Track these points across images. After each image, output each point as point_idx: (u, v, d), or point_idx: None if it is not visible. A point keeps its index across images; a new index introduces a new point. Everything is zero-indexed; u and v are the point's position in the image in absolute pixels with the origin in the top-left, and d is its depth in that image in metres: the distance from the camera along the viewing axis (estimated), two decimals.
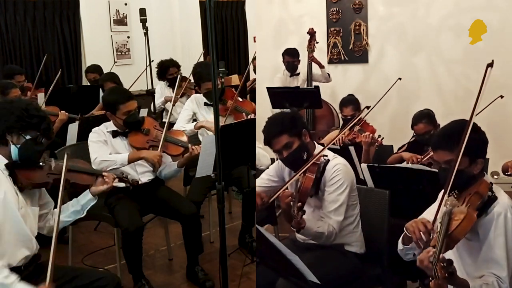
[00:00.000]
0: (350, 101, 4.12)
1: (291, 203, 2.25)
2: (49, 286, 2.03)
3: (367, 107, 3.32)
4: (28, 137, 2.25)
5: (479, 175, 1.96)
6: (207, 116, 3.93)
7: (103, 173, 2.59)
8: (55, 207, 2.44)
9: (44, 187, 2.38)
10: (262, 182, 2.76)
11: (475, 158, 1.94)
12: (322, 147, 2.55)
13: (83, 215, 2.56)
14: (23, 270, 2.21)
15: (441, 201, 1.90)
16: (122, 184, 2.74)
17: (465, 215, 1.77)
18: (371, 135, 3.64)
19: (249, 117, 3.76)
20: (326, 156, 2.50)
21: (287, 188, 2.41)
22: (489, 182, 1.90)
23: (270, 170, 2.80)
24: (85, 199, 2.53)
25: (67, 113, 3.99)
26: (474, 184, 1.92)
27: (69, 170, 2.42)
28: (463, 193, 1.90)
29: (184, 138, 3.30)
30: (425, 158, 3.31)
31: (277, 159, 2.86)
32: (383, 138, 3.73)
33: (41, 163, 2.34)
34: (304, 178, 2.39)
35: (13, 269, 2.17)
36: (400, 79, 4.51)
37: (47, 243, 2.39)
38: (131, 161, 3.11)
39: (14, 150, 2.24)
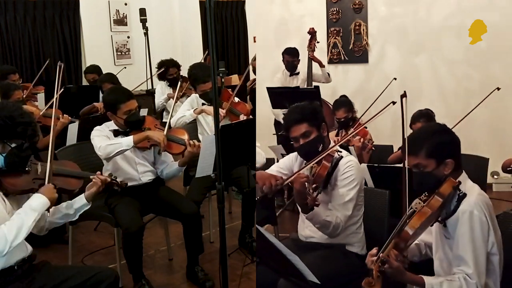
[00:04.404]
0: (343, 103, 4.10)
1: (306, 184, 2.28)
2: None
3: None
4: (13, 145, 2.24)
5: (452, 174, 1.97)
6: (204, 116, 3.94)
7: (91, 176, 2.57)
8: None
9: (30, 193, 2.33)
10: (271, 173, 2.74)
11: (443, 159, 1.97)
12: (335, 143, 2.60)
13: (75, 219, 2.56)
14: (16, 270, 2.21)
15: (405, 203, 1.96)
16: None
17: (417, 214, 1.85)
18: (361, 139, 3.64)
19: (241, 117, 3.75)
20: (341, 152, 2.54)
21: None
22: (456, 181, 1.91)
23: (280, 163, 2.82)
24: (79, 204, 2.51)
25: (69, 117, 3.99)
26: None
27: (55, 174, 2.41)
28: (431, 194, 1.93)
29: (185, 137, 3.28)
30: None
31: (277, 160, 2.86)
32: (373, 142, 3.73)
33: (27, 168, 2.32)
34: (319, 166, 2.42)
35: (7, 269, 2.17)
36: (395, 79, 4.49)
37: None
38: (136, 142, 3.09)
39: None
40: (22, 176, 2.30)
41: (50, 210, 2.39)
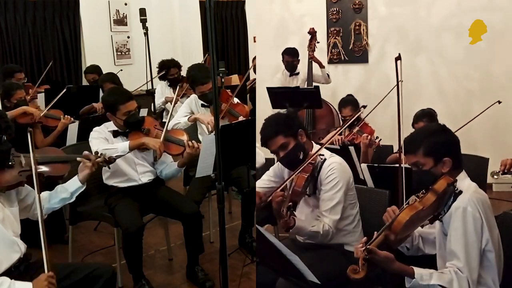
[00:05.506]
0: (349, 102, 4.12)
1: (282, 202, 2.28)
2: (48, 275, 2.05)
3: (364, 106, 3.36)
4: None
5: (450, 173, 1.99)
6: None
7: (78, 158, 2.56)
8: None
9: (19, 187, 2.31)
10: (262, 183, 2.76)
11: (441, 157, 2.00)
12: (319, 147, 2.55)
13: (72, 201, 2.58)
14: (13, 271, 2.20)
15: (401, 198, 2.04)
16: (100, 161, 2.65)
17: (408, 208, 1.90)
18: (369, 136, 3.66)
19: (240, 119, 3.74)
20: (323, 155, 2.50)
21: (283, 188, 2.42)
22: (452, 178, 1.95)
23: (270, 171, 2.81)
24: (74, 187, 2.53)
25: (71, 118, 3.99)
26: None
27: (41, 162, 2.38)
28: (428, 191, 1.97)
29: (185, 137, 3.28)
30: None
31: (276, 160, 2.85)
32: (380, 139, 3.73)
33: (10, 162, 2.28)
34: (297, 177, 2.40)
35: (4, 273, 2.15)
36: (401, 81, 4.45)
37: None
38: (132, 147, 3.09)
39: None
40: (6, 171, 2.25)
41: (45, 196, 2.40)
